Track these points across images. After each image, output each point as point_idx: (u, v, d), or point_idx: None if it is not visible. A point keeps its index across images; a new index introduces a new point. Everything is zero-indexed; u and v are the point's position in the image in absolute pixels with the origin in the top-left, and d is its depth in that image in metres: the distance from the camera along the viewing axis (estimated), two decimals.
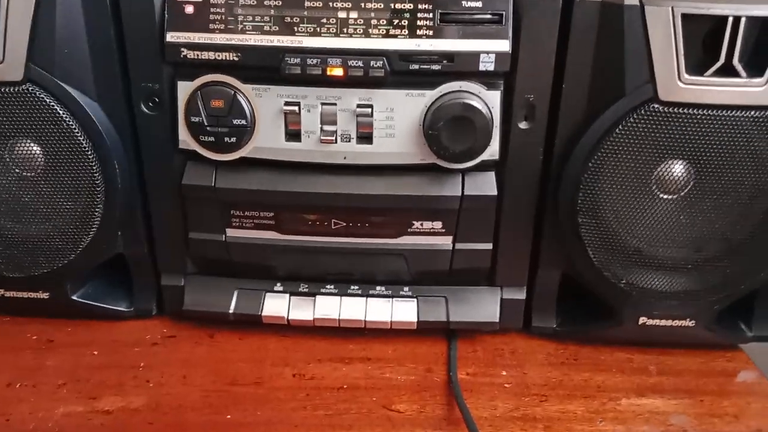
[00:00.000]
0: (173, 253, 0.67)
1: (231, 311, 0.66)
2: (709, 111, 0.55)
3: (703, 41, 0.55)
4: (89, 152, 0.60)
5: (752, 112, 0.55)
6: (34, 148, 0.60)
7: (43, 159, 0.60)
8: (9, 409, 0.58)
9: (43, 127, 0.59)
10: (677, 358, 0.66)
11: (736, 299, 0.64)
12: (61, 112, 0.58)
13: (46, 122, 0.58)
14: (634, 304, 0.64)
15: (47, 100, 0.58)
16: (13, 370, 0.62)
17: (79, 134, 0.59)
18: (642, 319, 0.65)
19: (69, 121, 0.58)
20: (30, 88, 0.57)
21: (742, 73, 0.54)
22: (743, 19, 0.52)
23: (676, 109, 0.55)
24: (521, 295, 0.67)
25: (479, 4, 0.55)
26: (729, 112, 0.55)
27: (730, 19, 0.53)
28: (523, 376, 0.64)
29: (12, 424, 0.57)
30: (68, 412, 0.58)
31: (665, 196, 0.60)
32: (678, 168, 0.58)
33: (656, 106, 0.55)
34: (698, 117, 0.55)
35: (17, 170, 0.61)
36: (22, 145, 0.60)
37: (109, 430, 0.56)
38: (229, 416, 0.58)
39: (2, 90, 0.57)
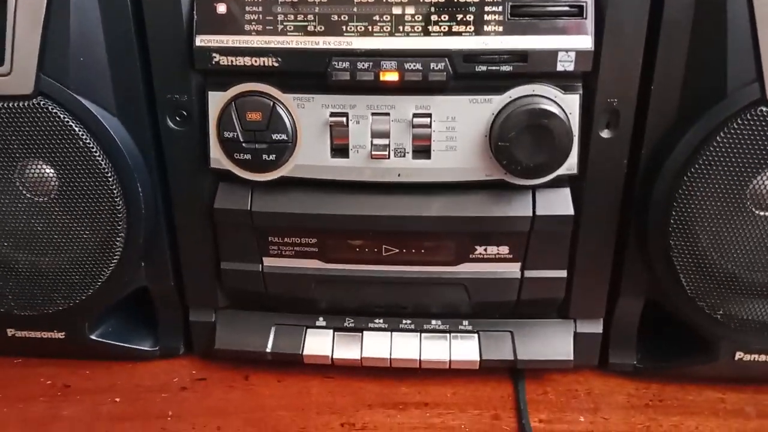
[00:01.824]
0: (203, 286, 0.60)
1: (268, 350, 0.60)
2: None
3: None
4: (109, 174, 0.53)
5: None
6: (47, 170, 0.54)
7: (57, 182, 0.54)
8: None
9: (56, 146, 0.52)
10: None
11: None
12: (76, 128, 0.52)
13: (60, 140, 0.52)
14: (730, 338, 0.56)
15: (61, 116, 0.52)
16: (24, 424, 0.55)
17: (97, 153, 0.53)
18: (739, 354, 0.57)
19: (86, 139, 0.52)
20: (41, 103, 0.51)
21: None
22: None
23: None
24: (598, 328, 0.60)
25: None
26: None
27: None
28: (605, 422, 0.56)
29: None
30: None
31: (762, 213, 0.52)
32: None
33: (764, 108, 0.48)
34: None
35: (28, 195, 0.55)
36: (34, 166, 0.54)
37: None
38: None
39: (11, 105, 0.51)
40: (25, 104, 0.51)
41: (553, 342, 0.59)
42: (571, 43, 0.49)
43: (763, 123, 0.48)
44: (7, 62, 0.50)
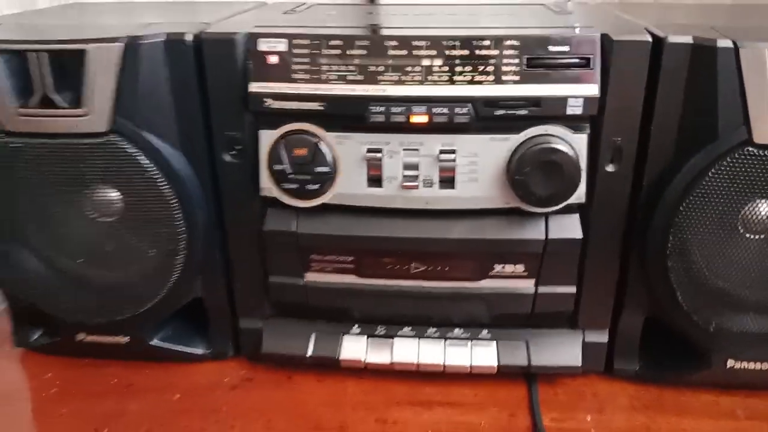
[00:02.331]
0: (252, 297, 0.67)
1: (309, 354, 0.66)
2: None
3: None
4: (172, 200, 0.60)
5: None
6: (115, 194, 0.60)
7: (123, 204, 0.61)
8: None
9: (126, 176, 0.59)
10: (764, 400, 0.64)
11: None
12: (143, 161, 0.58)
13: (130, 171, 0.59)
14: (722, 348, 0.62)
15: (130, 151, 0.58)
16: (99, 417, 0.63)
17: (161, 183, 0.59)
18: (730, 362, 0.63)
19: (152, 171, 0.59)
20: (114, 139, 0.58)
21: None
22: None
23: None
24: (604, 338, 0.66)
25: (567, 48, 0.54)
26: None
27: None
28: (608, 421, 0.62)
29: None
30: None
31: (751, 236, 0.58)
32: (765, 207, 0.57)
33: (751, 149, 0.54)
34: None
35: (100, 217, 0.61)
36: (104, 190, 0.60)
37: None
38: None
39: (88, 141, 0.58)
40: (101, 140, 0.57)
41: (563, 350, 0.65)
42: (580, 91, 0.55)
43: (750, 160, 0.54)
44: (86, 104, 0.56)
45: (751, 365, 0.63)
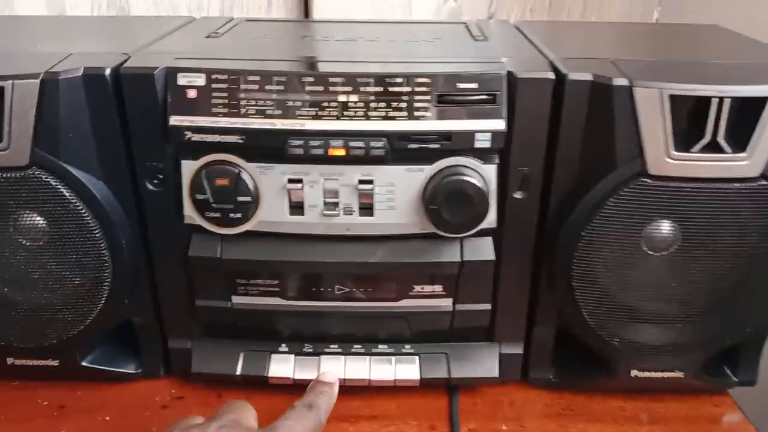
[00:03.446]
0: (180, 319, 0.68)
1: (238, 373, 0.68)
2: (696, 184, 0.57)
3: (690, 117, 0.57)
4: (96, 231, 0.61)
5: (736, 184, 0.57)
6: (39, 220, 0.61)
7: (48, 230, 0.61)
8: None
9: (50, 207, 0.59)
10: (667, 404, 0.69)
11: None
12: (67, 193, 0.59)
13: (54, 203, 0.59)
14: (625, 358, 0.67)
15: (53, 183, 0.58)
16: None
17: (85, 213, 0.60)
18: (634, 372, 0.68)
19: (75, 202, 0.59)
20: (36, 172, 0.58)
21: (727, 148, 0.56)
22: (727, 100, 0.55)
23: (665, 183, 0.57)
24: (519, 349, 0.69)
25: (475, 86, 0.57)
26: (714, 184, 0.57)
27: (715, 100, 0.55)
28: (522, 429, 0.66)
29: None
30: None
31: (653, 254, 0.62)
32: (665, 228, 0.61)
33: (645, 179, 0.58)
34: (686, 189, 0.57)
35: (24, 242, 0.62)
36: (30, 217, 0.61)
37: None
38: None
39: (8, 175, 0.58)
40: (22, 174, 0.58)
41: (481, 361, 0.69)
42: (487, 125, 0.57)
43: (645, 189, 0.58)
44: (5, 139, 0.57)
45: (653, 374, 0.68)
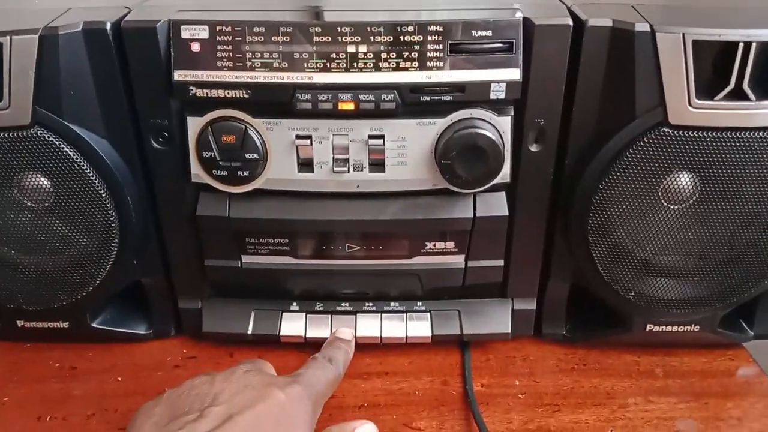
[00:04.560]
0: (190, 279, 0.68)
1: (249, 332, 0.68)
2: (718, 133, 0.56)
3: (713, 65, 0.55)
4: (101, 190, 0.60)
5: (761, 133, 0.56)
6: (43, 181, 0.60)
7: (52, 191, 0.60)
8: None
9: (54, 168, 0.58)
10: (682, 358, 0.69)
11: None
12: (70, 153, 0.58)
13: (57, 163, 0.58)
14: (641, 313, 0.66)
15: (56, 142, 0.57)
16: (42, 403, 0.64)
17: (90, 173, 0.59)
18: (649, 326, 0.67)
19: (79, 161, 0.58)
20: (38, 132, 0.57)
21: (752, 96, 0.54)
22: (753, 45, 0.53)
23: (685, 132, 0.56)
24: (532, 305, 0.69)
25: (489, 33, 0.55)
26: (738, 133, 0.55)
27: (741, 44, 0.53)
28: (536, 385, 0.66)
29: None
30: None
31: (671, 206, 0.61)
32: (684, 179, 0.59)
33: (666, 129, 0.56)
34: (707, 139, 0.56)
35: (28, 203, 0.61)
36: (31, 178, 0.60)
37: None
38: None
39: (11, 135, 0.57)
40: (24, 133, 0.56)
41: (494, 318, 0.68)
42: (502, 75, 0.56)
43: (665, 140, 0.56)
44: (6, 98, 0.55)
45: (669, 328, 0.67)
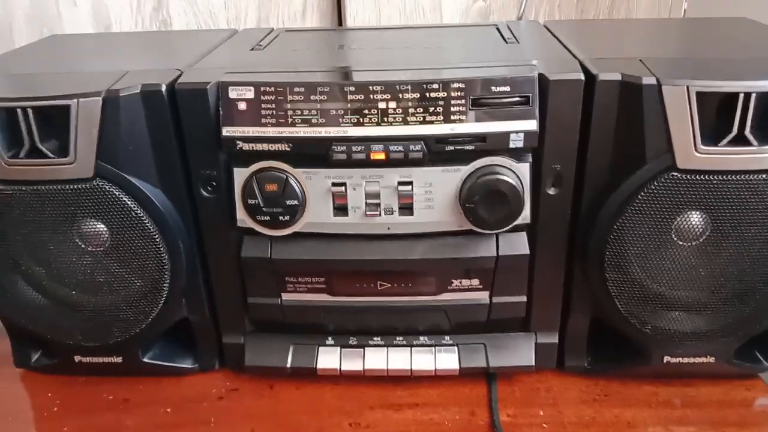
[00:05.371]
0: (233, 316, 0.72)
1: (288, 365, 0.72)
2: (724, 176, 0.59)
3: (717, 113, 0.59)
4: (155, 235, 0.65)
5: (763, 175, 0.60)
6: (103, 227, 0.65)
7: (110, 236, 0.65)
8: None
9: (113, 215, 0.64)
10: (699, 389, 0.72)
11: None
12: (128, 202, 0.63)
13: (116, 211, 0.63)
14: (658, 345, 0.69)
15: (116, 193, 0.63)
16: None
17: (146, 220, 0.64)
18: (666, 358, 0.70)
19: (136, 210, 0.64)
20: (100, 183, 0.62)
21: (754, 142, 0.58)
22: (753, 95, 0.57)
23: (693, 176, 0.60)
24: (554, 338, 0.72)
25: (507, 89, 0.60)
26: (743, 176, 0.59)
27: (741, 95, 0.57)
28: (559, 415, 0.69)
29: None
30: None
31: (683, 243, 0.64)
32: (695, 218, 0.63)
33: (675, 173, 0.60)
34: (714, 181, 0.60)
35: (88, 248, 0.66)
36: (93, 224, 0.65)
37: None
38: None
39: (75, 186, 0.62)
40: (87, 185, 0.62)
41: (518, 351, 0.72)
42: (521, 126, 0.60)
43: (674, 183, 0.60)
44: (72, 154, 0.61)
45: (685, 360, 0.70)
